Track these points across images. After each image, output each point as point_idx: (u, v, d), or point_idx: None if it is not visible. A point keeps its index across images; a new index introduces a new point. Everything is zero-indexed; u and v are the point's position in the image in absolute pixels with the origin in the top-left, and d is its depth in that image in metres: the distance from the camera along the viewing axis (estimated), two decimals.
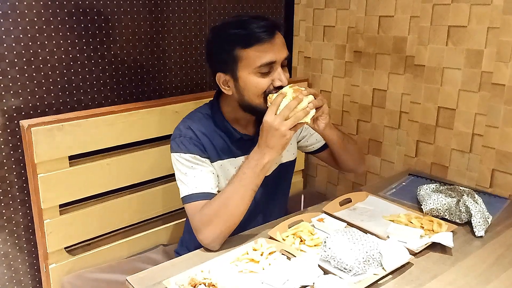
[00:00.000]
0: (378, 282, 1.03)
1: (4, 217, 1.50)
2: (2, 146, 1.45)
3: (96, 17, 1.54)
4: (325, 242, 1.08)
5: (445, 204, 1.29)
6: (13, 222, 1.52)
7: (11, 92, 1.43)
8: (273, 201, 1.38)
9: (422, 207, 1.33)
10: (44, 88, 1.49)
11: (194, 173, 1.22)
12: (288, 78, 1.22)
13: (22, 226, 1.54)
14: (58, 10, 1.46)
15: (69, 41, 1.50)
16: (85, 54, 1.55)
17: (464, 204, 1.27)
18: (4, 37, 1.38)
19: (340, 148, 1.37)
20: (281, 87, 1.18)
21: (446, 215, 1.29)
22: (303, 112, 1.13)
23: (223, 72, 1.22)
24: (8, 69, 1.40)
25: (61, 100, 1.53)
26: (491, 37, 1.45)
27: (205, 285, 0.96)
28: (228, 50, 1.19)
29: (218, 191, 1.24)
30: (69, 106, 1.55)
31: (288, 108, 1.12)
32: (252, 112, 1.25)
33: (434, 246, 1.16)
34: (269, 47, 1.16)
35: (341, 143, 1.35)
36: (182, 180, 1.23)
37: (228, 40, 1.19)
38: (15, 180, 1.49)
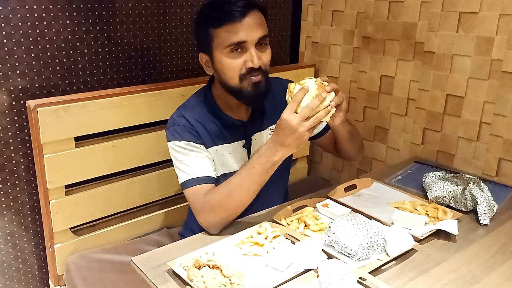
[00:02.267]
0: (382, 268, 1.03)
1: (10, 197, 1.51)
2: (9, 126, 1.45)
3: None
4: (329, 227, 1.08)
5: (450, 191, 1.29)
6: (19, 202, 1.53)
7: (18, 72, 1.42)
8: (274, 186, 1.36)
9: (427, 194, 1.33)
10: (50, 68, 1.48)
11: (190, 160, 1.22)
12: (268, 58, 1.20)
13: (27, 206, 1.55)
14: None
15: (75, 21, 1.49)
16: (92, 35, 1.54)
17: (470, 192, 1.27)
18: (10, 16, 1.37)
19: (347, 141, 1.35)
20: (259, 69, 1.16)
21: (451, 203, 1.29)
22: (324, 111, 1.07)
23: (204, 52, 1.24)
24: (15, 48, 1.40)
25: (67, 81, 1.53)
26: (503, 24, 1.43)
27: (209, 267, 0.97)
28: (204, 29, 1.20)
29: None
30: (75, 87, 1.55)
31: (309, 108, 1.05)
32: (233, 94, 1.23)
33: (439, 233, 1.16)
34: (239, 27, 1.14)
35: (349, 136, 1.34)
36: (179, 167, 1.24)
37: (204, 19, 1.21)
38: (21, 160, 1.50)
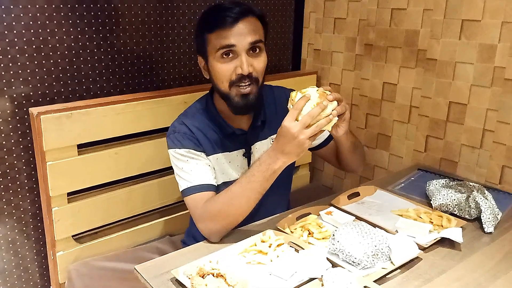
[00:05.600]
0: (387, 276, 1.02)
1: (12, 204, 1.50)
2: (11, 133, 1.45)
3: (105, 5, 1.53)
4: (333, 235, 1.08)
5: (454, 199, 1.28)
6: (21, 209, 1.52)
7: (20, 79, 1.43)
8: (276, 194, 1.35)
9: (431, 202, 1.33)
10: (53, 76, 1.48)
11: (190, 167, 1.22)
12: (261, 65, 1.19)
13: (30, 214, 1.54)
14: None
15: (78, 28, 1.50)
16: (95, 43, 1.54)
17: (474, 200, 1.26)
18: (13, 23, 1.37)
19: (350, 153, 1.34)
20: (249, 76, 1.17)
21: (455, 211, 1.29)
22: (326, 120, 1.06)
23: (201, 55, 1.26)
24: (18, 56, 1.40)
25: (70, 88, 1.53)
26: (505, 31, 1.43)
27: (213, 275, 0.96)
28: (200, 34, 1.22)
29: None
30: (77, 95, 1.55)
31: (310, 116, 1.04)
32: (223, 99, 1.24)
33: (443, 242, 1.15)
34: (229, 32, 1.15)
35: (353, 148, 1.33)
36: (179, 175, 1.24)
37: (201, 24, 1.23)
38: (24, 167, 1.49)
